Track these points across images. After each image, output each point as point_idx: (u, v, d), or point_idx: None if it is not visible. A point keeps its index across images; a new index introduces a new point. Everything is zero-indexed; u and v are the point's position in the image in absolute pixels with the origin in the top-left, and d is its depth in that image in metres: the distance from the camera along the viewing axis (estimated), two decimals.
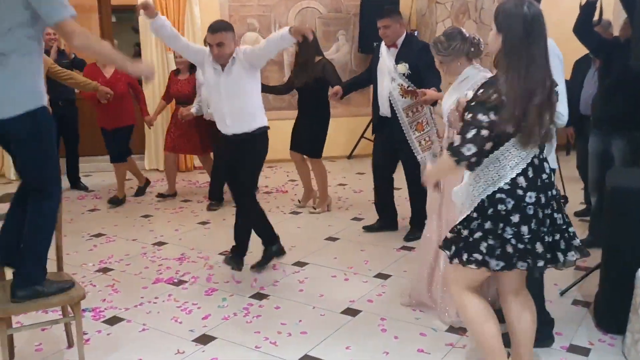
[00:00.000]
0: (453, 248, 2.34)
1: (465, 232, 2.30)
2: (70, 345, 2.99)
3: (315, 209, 5.32)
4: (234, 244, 3.97)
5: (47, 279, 2.68)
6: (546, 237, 2.25)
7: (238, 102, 3.67)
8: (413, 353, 2.92)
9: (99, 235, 4.81)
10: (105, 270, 4.07)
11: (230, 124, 3.71)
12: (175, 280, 3.86)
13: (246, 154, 3.75)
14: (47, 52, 5.56)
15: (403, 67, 4.23)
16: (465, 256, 2.29)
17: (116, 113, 5.44)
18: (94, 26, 7.85)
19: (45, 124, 2.59)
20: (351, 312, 3.36)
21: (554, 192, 2.31)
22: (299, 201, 5.52)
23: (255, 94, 3.75)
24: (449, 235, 2.38)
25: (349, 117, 7.40)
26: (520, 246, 2.21)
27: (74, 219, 5.21)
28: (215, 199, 5.58)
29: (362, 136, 7.44)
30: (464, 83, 3.02)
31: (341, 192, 6.02)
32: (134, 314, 3.39)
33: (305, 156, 5.28)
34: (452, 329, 3.12)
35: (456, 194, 2.41)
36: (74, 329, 2.81)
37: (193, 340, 3.07)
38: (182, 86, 5.61)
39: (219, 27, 3.60)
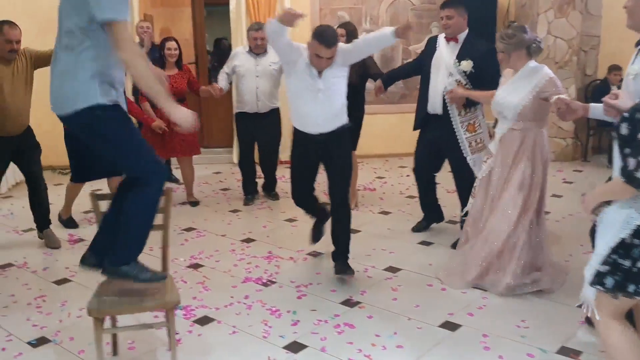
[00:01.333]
0: (611, 280, 2.07)
1: (626, 262, 2.03)
2: (170, 348, 2.90)
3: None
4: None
5: (141, 265, 2.63)
6: None
7: (333, 102, 3.55)
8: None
9: (189, 229, 4.83)
10: (196, 266, 4.06)
11: (321, 123, 3.57)
12: (265, 281, 3.78)
13: (334, 152, 3.62)
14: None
15: (468, 64, 4.00)
16: (632, 287, 2.02)
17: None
18: (186, 20, 7.96)
19: (108, 120, 2.47)
20: (450, 326, 3.15)
21: None
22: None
23: (344, 91, 3.62)
24: (602, 268, 2.11)
25: None
26: None
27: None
28: (249, 193, 5.61)
29: None
30: (527, 79, 3.45)
31: None
32: (224, 314, 3.33)
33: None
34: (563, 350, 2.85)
35: (606, 213, 2.15)
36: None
37: (284, 347, 2.96)
38: (177, 82, 5.18)
39: (334, 42, 3.37)
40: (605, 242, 2.10)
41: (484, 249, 3.56)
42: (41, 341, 3.10)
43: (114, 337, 2.94)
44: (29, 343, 3.08)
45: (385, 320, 3.23)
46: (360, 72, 4.70)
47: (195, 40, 7.71)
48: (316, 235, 4.10)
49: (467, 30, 4.11)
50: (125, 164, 2.61)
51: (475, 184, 3.84)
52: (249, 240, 4.55)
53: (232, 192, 5.95)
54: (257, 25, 5.34)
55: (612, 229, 2.07)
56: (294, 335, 3.08)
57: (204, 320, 3.27)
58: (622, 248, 2.04)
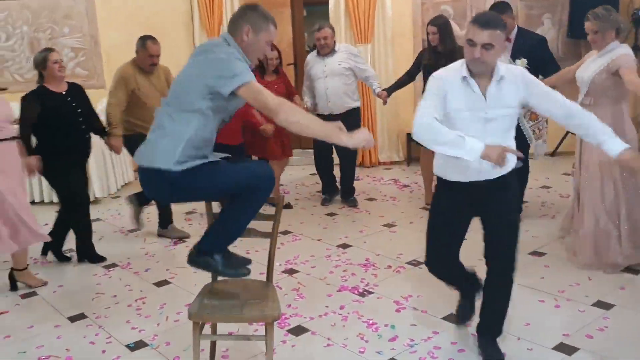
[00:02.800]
0: None
1: None
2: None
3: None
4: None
5: (228, 260, 2.61)
6: None
7: (506, 137, 2.71)
8: None
9: (286, 232, 4.76)
10: (291, 271, 3.97)
11: (488, 166, 3.05)
12: (361, 290, 3.61)
13: (500, 199, 2.77)
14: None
15: (522, 62, 4.23)
16: None
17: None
18: (285, 20, 7.95)
19: (180, 184, 2.43)
20: (566, 349, 2.83)
21: None
22: (428, 205, 5.05)
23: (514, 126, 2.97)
24: None
25: None
26: None
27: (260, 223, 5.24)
28: (326, 193, 5.58)
29: (568, 131, 6.60)
30: (605, 56, 3.56)
31: (545, 196, 5.33)
32: (318, 325, 3.21)
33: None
34: None
35: None
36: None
37: None
38: (278, 87, 5.10)
39: (493, 24, 2.45)
40: None
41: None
42: (138, 345, 3.12)
43: (213, 344, 2.90)
44: (127, 346, 3.11)
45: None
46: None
47: (295, 41, 7.69)
48: (464, 315, 3.08)
49: (516, 28, 4.45)
50: (229, 190, 2.53)
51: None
52: (345, 246, 4.40)
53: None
54: (318, 26, 5.24)
55: None
56: (392, 352, 2.89)
57: (298, 331, 3.16)
58: None
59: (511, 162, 2.58)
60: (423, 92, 2.71)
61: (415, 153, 6.35)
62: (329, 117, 5.22)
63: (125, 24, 6.65)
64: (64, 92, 4.09)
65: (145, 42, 4.48)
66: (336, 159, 5.56)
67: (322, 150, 5.40)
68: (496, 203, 2.65)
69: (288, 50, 7.60)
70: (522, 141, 4.16)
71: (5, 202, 3.62)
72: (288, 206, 5.46)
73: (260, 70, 5.13)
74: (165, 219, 4.87)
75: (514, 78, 2.55)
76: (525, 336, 2.96)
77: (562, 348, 2.84)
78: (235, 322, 2.75)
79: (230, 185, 2.50)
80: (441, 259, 2.88)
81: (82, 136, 4.19)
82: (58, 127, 4.03)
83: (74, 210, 4.25)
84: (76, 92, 4.18)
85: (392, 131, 6.98)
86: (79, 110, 4.12)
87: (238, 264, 2.64)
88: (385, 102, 5.29)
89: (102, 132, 4.38)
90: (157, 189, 2.56)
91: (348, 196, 5.50)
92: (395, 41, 6.77)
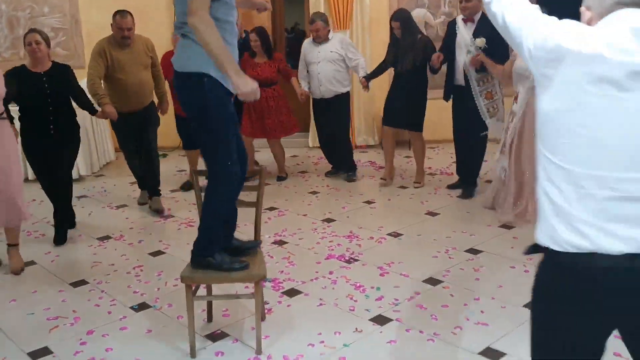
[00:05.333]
0: None
1: None
2: (262, 319, 2.99)
3: (419, 183, 5.49)
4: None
5: (225, 256, 2.77)
6: None
7: None
8: (609, 357, 2.67)
9: (272, 208, 5.01)
10: (280, 242, 4.22)
11: None
12: (347, 258, 3.89)
13: None
14: None
15: (481, 41, 4.67)
16: None
17: None
18: None
19: (211, 95, 2.55)
20: None
21: None
22: (383, 179, 5.61)
23: None
24: None
25: None
26: None
27: (249, 194, 5.45)
28: (332, 165, 6.05)
29: None
30: None
31: None
32: (310, 287, 3.48)
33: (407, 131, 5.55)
34: None
35: None
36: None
37: (370, 320, 3.07)
38: (263, 70, 5.47)
39: None
40: None
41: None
42: (142, 306, 3.34)
43: (209, 304, 3.13)
44: (132, 308, 3.32)
45: (468, 299, 3.28)
46: (422, 56, 5.08)
47: (274, 27, 7.88)
48: None
49: (481, 11, 4.72)
50: (208, 152, 2.69)
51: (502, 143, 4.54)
52: (329, 220, 4.67)
53: (310, 175, 6.09)
54: (311, 19, 5.66)
55: None
56: (379, 309, 3.18)
57: (292, 293, 3.42)
58: None
59: None
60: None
61: None
62: (320, 101, 5.67)
63: (106, 3, 6.70)
64: (42, 72, 4.17)
65: (115, 17, 4.64)
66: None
67: (320, 134, 6.05)
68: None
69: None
70: (479, 119, 4.87)
71: None
72: (281, 178, 5.88)
73: (251, 53, 5.52)
74: (153, 191, 5.06)
75: None
76: (499, 296, 3.29)
77: None
78: (226, 282, 2.94)
79: (216, 146, 2.61)
80: None
81: (50, 118, 4.16)
82: (26, 106, 4.17)
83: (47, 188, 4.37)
84: (58, 73, 4.24)
85: (368, 115, 7.25)
86: (50, 92, 4.15)
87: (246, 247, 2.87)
88: (366, 89, 5.63)
89: (91, 109, 4.52)
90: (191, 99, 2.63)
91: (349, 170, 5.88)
92: (373, 28, 7.02)
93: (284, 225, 4.57)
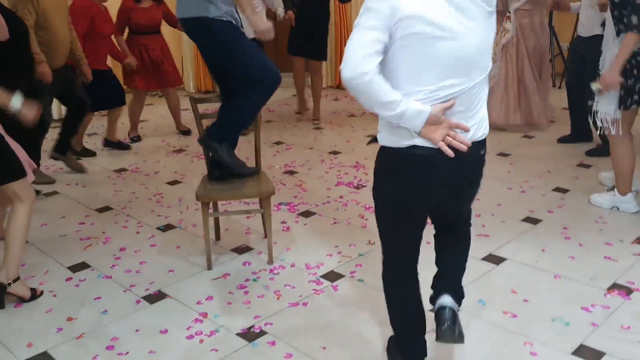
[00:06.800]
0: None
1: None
2: (265, 236, 3.24)
3: (317, 120, 5.83)
4: None
5: (231, 155, 3.00)
6: None
7: None
8: (600, 260, 2.96)
9: (279, 142, 5.22)
10: (291, 172, 4.46)
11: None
12: (355, 184, 4.14)
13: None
14: None
15: None
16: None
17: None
18: None
19: (221, 35, 2.76)
20: (532, 220, 3.45)
21: None
22: (298, 113, 6.05)
23: None
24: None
25: None
26: None
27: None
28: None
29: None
30: None
31: None
32: (323, 209, 3.73)
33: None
34: None
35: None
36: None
37: None
38: (153, 14, 5.21)
39: None
40: None
41: None
42: (168, 227, 3.58)
43: (217, 222, 3.36)
44: (158, 228, 3.57)
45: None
46: None
47: None
48: None
49: None
50: (239, 68, 2.87)
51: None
52: (335, 153, 4.90)
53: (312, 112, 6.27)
54: None
55: None
56: None
57: (307, 214, 3.68)
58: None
59: None
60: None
61: None
62: None
63: None
64: None
65: None
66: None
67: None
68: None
69: None
70: None
71: None
72: (186, 132, 5.66)
73: None
74: (64, 146, 4.62)
75: None
76: (498, 213, 3.56)
77: (529, 220, 3.45)
78: (238, 198, 3.18)
79: (244, 60, 2.82)
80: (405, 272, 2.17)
81: None
82: None
83: None
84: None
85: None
86: None
87: (239, 162, 3.07)
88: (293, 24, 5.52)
89: None
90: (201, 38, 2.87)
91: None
92: None
93: (292, 158, 4.79)
